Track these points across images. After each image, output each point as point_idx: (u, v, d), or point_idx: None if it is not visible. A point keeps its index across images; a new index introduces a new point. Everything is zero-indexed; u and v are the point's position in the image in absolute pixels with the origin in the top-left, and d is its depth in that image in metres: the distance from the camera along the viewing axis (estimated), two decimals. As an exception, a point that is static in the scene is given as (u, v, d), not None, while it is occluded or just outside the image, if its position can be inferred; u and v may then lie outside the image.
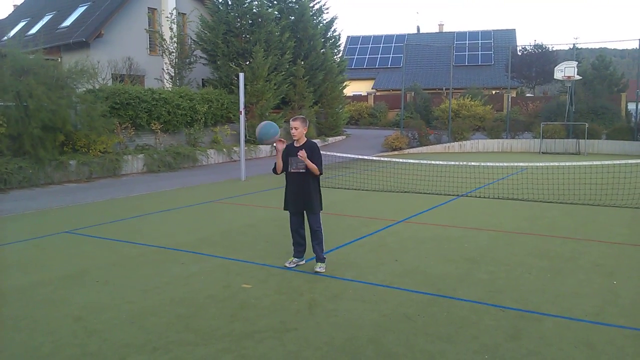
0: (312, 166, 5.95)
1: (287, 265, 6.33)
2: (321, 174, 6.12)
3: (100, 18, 22.71)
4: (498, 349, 4.18)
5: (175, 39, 21.91)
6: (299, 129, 6.06)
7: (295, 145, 6.14)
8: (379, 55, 49.27)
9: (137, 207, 10.77)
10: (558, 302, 5.18)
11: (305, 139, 6.17)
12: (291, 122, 6.11)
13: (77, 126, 14.98)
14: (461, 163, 13.01)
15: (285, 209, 6.33)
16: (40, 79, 13.98)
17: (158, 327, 4.62)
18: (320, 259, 6.15)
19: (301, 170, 6.05)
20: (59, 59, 22.15)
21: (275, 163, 6.28)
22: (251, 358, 4.05)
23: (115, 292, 5.53)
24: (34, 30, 25.69)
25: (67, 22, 24.57)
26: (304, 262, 6.42)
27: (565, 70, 24.52)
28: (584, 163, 11.80)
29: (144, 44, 24.20)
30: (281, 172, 6.25)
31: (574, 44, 27.78)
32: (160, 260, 6.74)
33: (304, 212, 6.23)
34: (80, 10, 24.93)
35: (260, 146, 21.82)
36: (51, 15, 26.70)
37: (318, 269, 6.05)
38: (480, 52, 46.13)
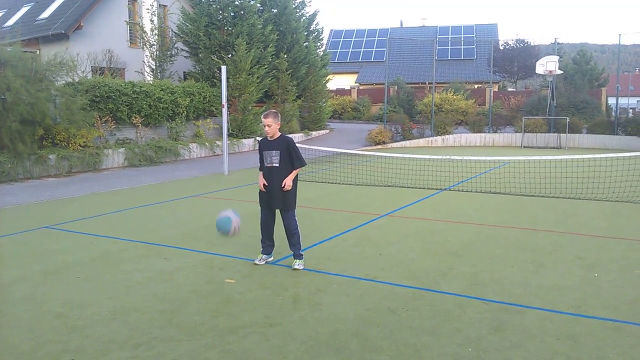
0: (292, 177, 5.96)
1: (257, 262, 6.23)
2: (305, 164, 6.06)
3: (79, 10, 22.34)
4: (481, 341, 4.20)
5: (156, 31, 21.64)
6: (272, 126, 5.95)
7: (269, 139, 6.07)
8: (362, 49, 49.24)
9: (118, 201, 10.65)
10: (540, 294, 5.23)
11: (279, 133, 6.07)
12: (263, 119, 5.99)
13: (57, 120, 14.75)
14: (444, 157, 13.07)
15: (260, 204, 6.26)
16: (19, 72, 13.73)
17: (141, 323, 4.56)
18: (297, 256, 6.08)
19: (274, 165, 5.98)
20: (38, 51, 21.76)
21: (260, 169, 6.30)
22: (235, 353, 4.02)
23: (97, 288, 5.46)
24: (11, 22, 25.20)
25: (46, 14, 24.14)
26: (271, 258, 6.33)
27: (547, 65, 24.75)
28: (565, 157, 11.93)
29: (124, 36, 23.88)
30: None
31: (555, 39, 27.96)
32: (142, 256, 6.67)
33: (276, 209, 6.17)
34: (58, 1, 24.49)
35: (243, 140, 21.72)
36: (29, 7, 26.22)
37: (296, 266, 5.99)
38: (462, 47, 46.34)
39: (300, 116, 26.88)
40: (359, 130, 28.35)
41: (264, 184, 6.08)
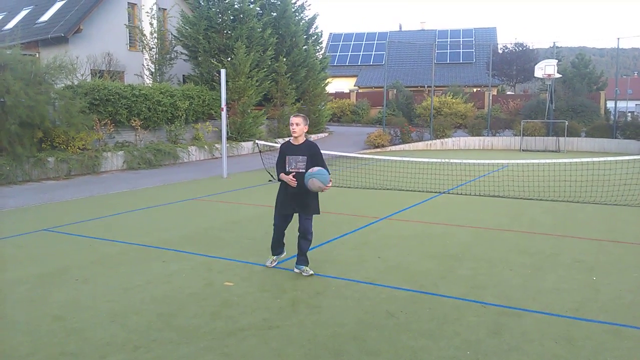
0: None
1: (268, 264, 6.25)
2: (329, 173, 5.74)
3: (79, 13, 22.38)
4: (480, 344, 4.20)
5: (155, 35, 21.69)
6: (300, 125, 5.73)
7: (293, 143, 5.85)
8: (361, 53, 49.31)
9: (117, 204, 10.65)
10: (539, 298, 5.23)
11: (305, 137, 5.86)
12: (293, 118, 5.79)
13: (56, 122, 14.75)
14: (443, 160, 13.06)
15: (280, 212, 5.96)
16: (18, 75, 13.74)
17: (139, 326, 4.56)
18: (306, 261, 5.98)
19: (301, 170, 5.73)
20: (37, 54, 21.78)
21: (278, 173, 5.93)
22: (234, 356, 4.02)
23: (95, 291, 5.46)
24: (10, 25, 25.23)
25: (45, 17, 24.18)
26: (284, 255, 6.32)
27: (546, 69, 24.78)
28: (564, 160, 11.93)
29: (123, 39, 23.91)
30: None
31: (554, 43, 28.00)
32: (140, 258, 6.67)
33: (295, 214, 5.97)
34: (58, 4, 24.54)
35: (243, 143, 21.72)
36: (28, 10, 26.25)
37: (307, 273, 5.89)
38: (461, 50, 46.43)
39: (299, 119, 26.85)
40: (358, 133, 28.37)
41: (288, 192, 5.83)
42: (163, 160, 17.77)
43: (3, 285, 5.67)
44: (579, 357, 3.99)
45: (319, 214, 5.99)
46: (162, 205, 10.55)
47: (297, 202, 5.86)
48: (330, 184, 5.67)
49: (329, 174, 5.68)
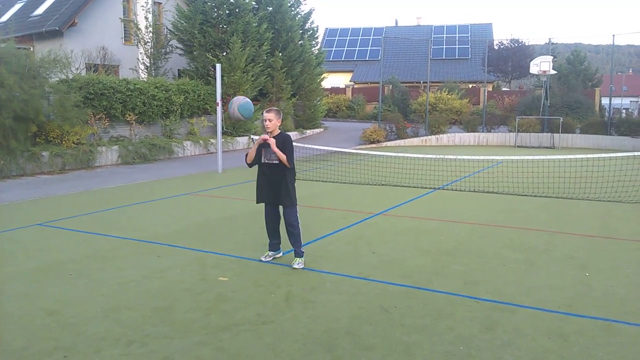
0: (282, 155, 5.82)
1: (263, 259, 6.29)
2: (291, 167, 5.96)
3: (73, 6, 22.24)
4: (473, 340, 4.22)
5: (150, 29, 21.58)
6: (272, 121, 5.93)
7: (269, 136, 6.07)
8: (357, 48, 49.22)
9: (111, 199, 10.63)
10: (532, 293, 5.26)
11: (279, 131, 6.04)
12: (265, 114, 5.98)
13: (50, 117, 14.69)
14: (438, 156, 13.09)
15: (258, 201, 6.17)
16: (12, 68, 13.66)
17: (133, 321, 4.57)
18: (298, 254, 6.09)
19: (274, 162, 5.94)
20: (32, 48, 21.65)
21: (246, 154, 6.14)
22: (228, 351, 4.03)
23: (90, 285, 5.46)
24: (4, 18, 25.04)
25: (39, 11, 24.02)
26: (281, 254, 6.40)
27: (541, 65, 24.85)
28: (558, 157, 11.98)
29: (118, 33, 23.80)
30: (252, 164, 6.10)
31: (549, 39, 28.05)
32: (135, 253, 6.67)
33: (279, 205, 6.15)
34: (52, -3, 24.39)
35: (238, 138, 21.68)
36: (22, 3, 26.08)
37: (296, 265, 5.98)
38: (457, 46, 46.39)
39: (294, 114, 26.87)
40: (354, 128, 28.37)
41: (264, 183, 6.09)
42: (158, 155, 17.72)
43: (-3, 279, 5.66)
44: (571, 352, 4.03)
45: (294, 204, 6.07)
46: (157, 200, 10.54)
47: (271, 189, 6.05)
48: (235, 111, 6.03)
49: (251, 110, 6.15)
